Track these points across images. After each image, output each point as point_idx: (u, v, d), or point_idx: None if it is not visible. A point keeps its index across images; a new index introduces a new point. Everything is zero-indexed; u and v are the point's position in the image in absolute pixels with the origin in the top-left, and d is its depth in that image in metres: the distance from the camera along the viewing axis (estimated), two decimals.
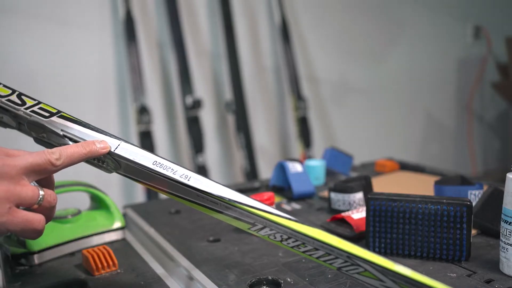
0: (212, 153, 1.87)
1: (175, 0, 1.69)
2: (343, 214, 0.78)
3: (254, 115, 1.97)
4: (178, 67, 1.71)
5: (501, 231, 0.60)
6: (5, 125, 0.59)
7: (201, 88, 1.84)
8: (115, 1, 1.65)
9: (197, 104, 1.70)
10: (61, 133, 0.56)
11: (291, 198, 0.97)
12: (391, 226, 0.66)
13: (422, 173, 1.14)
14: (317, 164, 1.08)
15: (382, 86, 2.41)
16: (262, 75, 2.03)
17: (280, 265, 0.65)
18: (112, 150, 0.55)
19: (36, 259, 0.69)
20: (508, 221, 0.58)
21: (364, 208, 0.77)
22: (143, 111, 1.61)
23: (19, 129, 0.59)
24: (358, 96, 2.32)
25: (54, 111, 0.58)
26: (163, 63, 1.79)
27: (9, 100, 0.57)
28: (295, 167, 0.98)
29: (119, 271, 0.67)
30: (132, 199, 1.73)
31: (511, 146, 2.97)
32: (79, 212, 0.77)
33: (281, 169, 1.01)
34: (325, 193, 0.97)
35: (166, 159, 0.56)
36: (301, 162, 1.02)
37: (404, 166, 1.20)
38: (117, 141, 0.56)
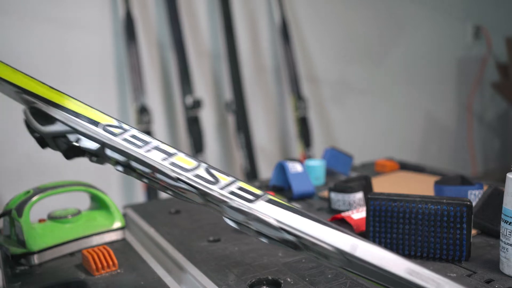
0: (212, 153, 1.87)
1: (175, 0, 1.69)
2: (343, 214, 0.78)
3: (254, 115, 1.97)
4: (178, 67, 1.71)
5: (501, 231, 0.60)
6: (187, 200, 0.48)
7: (201, 88, 1.84)
8: (115, 1, 1.65)
9: (197, 104, 1.70)
10: (277, 224, 0.43)
11: (291, 198, 0.97)
12: (391, 226, 0.66)
13: (422, 173, 1.14)
14: (317, 164, 1.08)
15: (382, 86, 2.41)
16: (262, 75, 2.02)
17: (280, 265, 0.65)
18: (348, 251, 0.43)
19: (36, 259, 0.69)
20: (508, 221, 0.58)
21: (364, 208, 0.77)
22: (143, 111, 1.61)
23: (207, 205, 0.47)
24: (358, 96, 2.32)
25: (259, 192, 0.45)
26: (163, 63, 1.79)
27: (197, 176, 0.45)
28: (295, 167, 0.98)
29: (119, 271, 0.67)
30: (132, 199, 1.73)
31: (511, 146, 2.97)
32: (79, 212, 0.77)
33: (281, 169, 1.01)
34: (325, 193, 0.97)
35: (420, 266, 0.43)
36: (301, 162, 1.02)
37: (404, 166, 1.20)
38: (353, 240, 0.44)
